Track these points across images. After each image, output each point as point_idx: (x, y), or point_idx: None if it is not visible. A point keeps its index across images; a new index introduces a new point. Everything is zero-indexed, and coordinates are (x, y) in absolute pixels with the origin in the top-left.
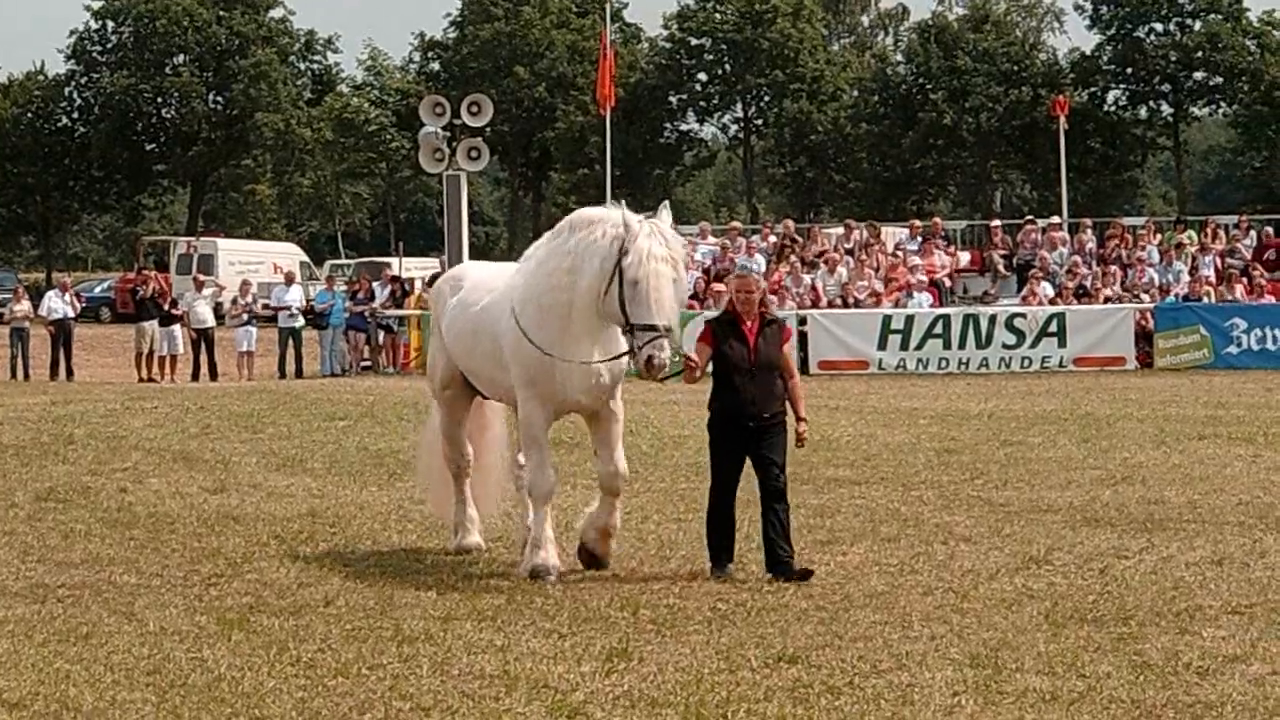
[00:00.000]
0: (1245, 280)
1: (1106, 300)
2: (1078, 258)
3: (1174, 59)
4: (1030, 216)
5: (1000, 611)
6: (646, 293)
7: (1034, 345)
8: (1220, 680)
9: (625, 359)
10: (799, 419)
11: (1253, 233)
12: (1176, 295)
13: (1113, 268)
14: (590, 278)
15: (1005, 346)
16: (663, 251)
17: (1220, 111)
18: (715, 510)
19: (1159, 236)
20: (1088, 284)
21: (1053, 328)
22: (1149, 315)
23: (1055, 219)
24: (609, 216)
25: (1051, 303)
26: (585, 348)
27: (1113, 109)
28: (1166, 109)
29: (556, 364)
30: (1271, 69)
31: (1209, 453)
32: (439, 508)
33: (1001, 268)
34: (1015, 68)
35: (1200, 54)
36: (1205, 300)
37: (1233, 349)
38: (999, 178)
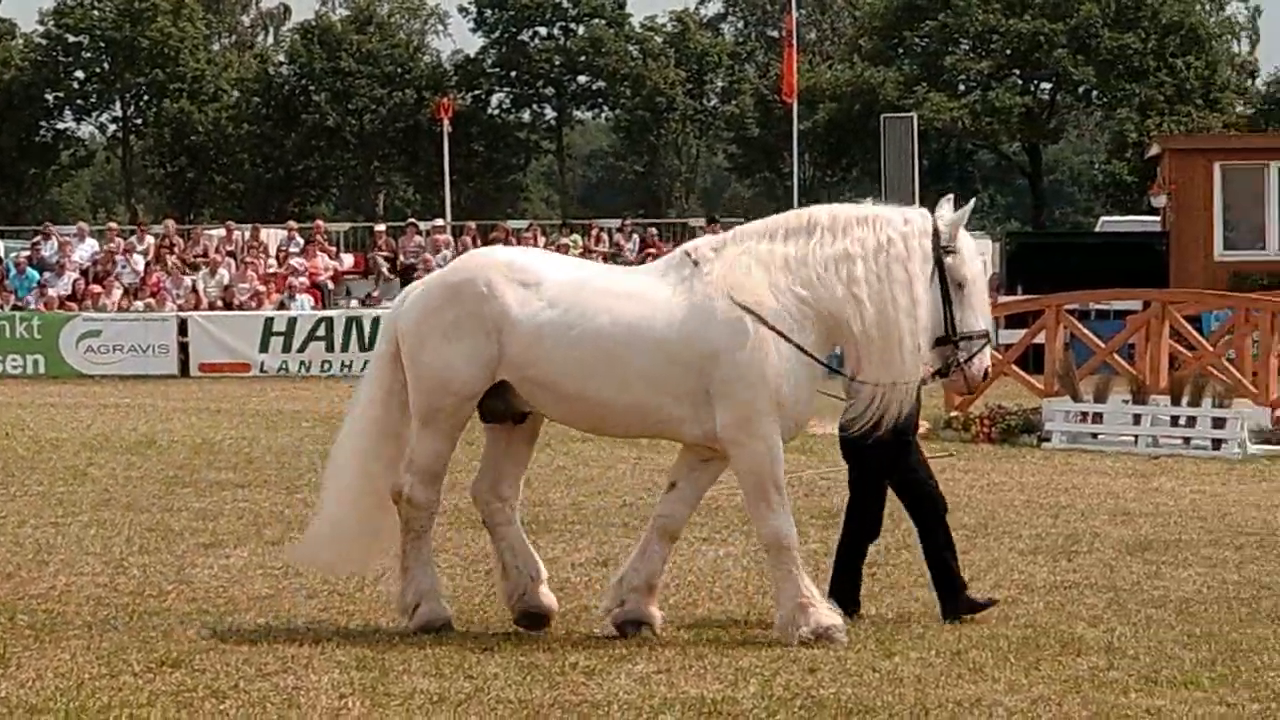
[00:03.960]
0: None
1: None
2: None
3: (558, 63)
4: (413, 220)
5: (385, 615)
6: (977, 294)
7: None
8: (607, 679)
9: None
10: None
11: (635, 236)
12: None
13: None
14: (922, 286)
15: None
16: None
17: (603, 116)
18: (859, 549)
19: (543, 240)
20: None
21: None
22: None
23: (439, 221)
24: (884, 213)
25: None
26: (914, 366)
27: (496, 112)
28: (550, 112)
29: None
30: (653, 74)
31: (593, 455)
32: (355, 564)
33: (385, 271)
34: (399, 70)
35: (584, 58)
36: None
37: None
38: (382, 180)
